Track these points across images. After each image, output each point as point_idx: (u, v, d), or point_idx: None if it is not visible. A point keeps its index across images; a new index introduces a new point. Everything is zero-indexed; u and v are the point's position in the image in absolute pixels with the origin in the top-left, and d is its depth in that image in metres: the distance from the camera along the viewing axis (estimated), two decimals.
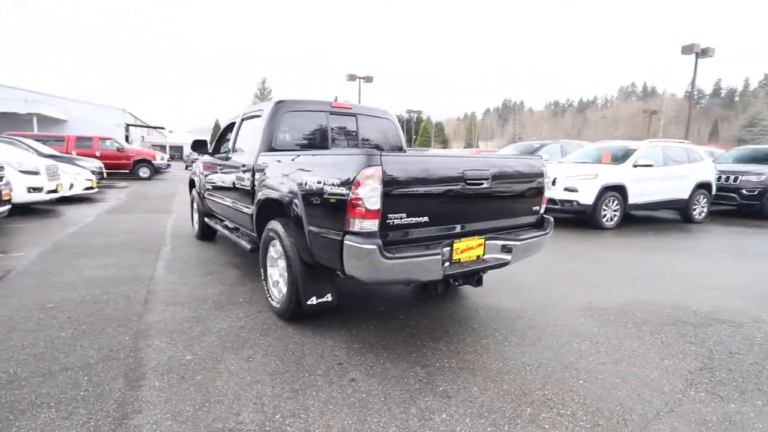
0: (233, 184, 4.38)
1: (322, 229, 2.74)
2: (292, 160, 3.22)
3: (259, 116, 4.12)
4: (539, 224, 3.43)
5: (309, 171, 2.89)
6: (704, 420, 2.26)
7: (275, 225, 3.28)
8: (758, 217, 9.82)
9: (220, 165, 4.91)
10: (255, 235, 4.01)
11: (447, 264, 2.74)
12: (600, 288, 4.44)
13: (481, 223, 3.04)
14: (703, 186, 9.21)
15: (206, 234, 6.10)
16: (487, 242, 3.04)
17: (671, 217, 9.96)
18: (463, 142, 74.54)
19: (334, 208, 2.62)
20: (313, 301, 3.02)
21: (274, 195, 3.33)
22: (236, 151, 4.61)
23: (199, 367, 2.63)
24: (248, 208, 4.01)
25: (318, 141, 4.14)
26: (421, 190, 2.64)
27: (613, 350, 3.03)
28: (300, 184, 2.92)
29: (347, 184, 2.49)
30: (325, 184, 2.67)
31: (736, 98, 78.51)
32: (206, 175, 5.51)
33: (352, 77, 25.01)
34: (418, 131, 62.82)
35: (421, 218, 2.65)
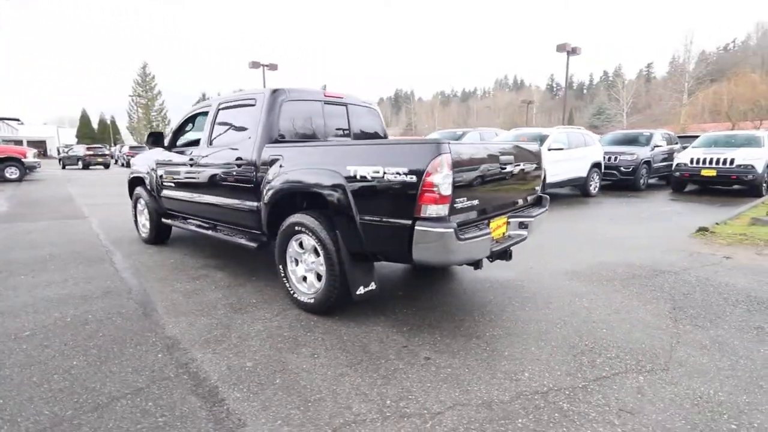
0: (221, 179, 4.03)
1: (380, 218, 2.75)
2: (328, 151, 3.13)
3: (252, 105, 3.85)
4: (538, 202, 3.83)
5: (360, 161, 2.85)
6: (702, 344, 2.84)
7: (304, 219, 3.16)
8: (632, 189, 11.87)
9: (190, 160, 4.45)
10: (258, 232, 3.79)
11: (492, 242, 2.96)
12: (561, 256, 5.08)
13: (504, 203, 3.31)
14: (596, 165, 10.86)
15: (160, 237, 5.47)
16: (509, 220, 3.33)
17: (571, 192, 11.53)
18: None
19: (398, 196, 2.65)
20: (361, 290, 3.01)
21: (300, 188, 3.20)
22: (214, 144, 4.23)
23: (269, 371, 2.49)
24: (249, 203, 3.76)
25: (316, 131, 4.01)
26: (474, 174, 2.81)
27: (608, 303, 3.57)
28: (348, 177, 2.87)
29: (417, 172, 2.55)
30: (386, 173, 2.68)
31: (585, 90, 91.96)
32: (166, 172, 4.94)
33: (255, 64, 23.64)
34: None
35: (474, 201, 2.82)
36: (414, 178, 2.56)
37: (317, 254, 3.20)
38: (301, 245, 3.33)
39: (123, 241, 5.75)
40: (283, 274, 3.45)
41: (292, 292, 3.39)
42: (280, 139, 3.68)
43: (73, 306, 3.47)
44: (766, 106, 31.85)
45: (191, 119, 4.92)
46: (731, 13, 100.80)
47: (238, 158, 3.81)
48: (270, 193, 3.44)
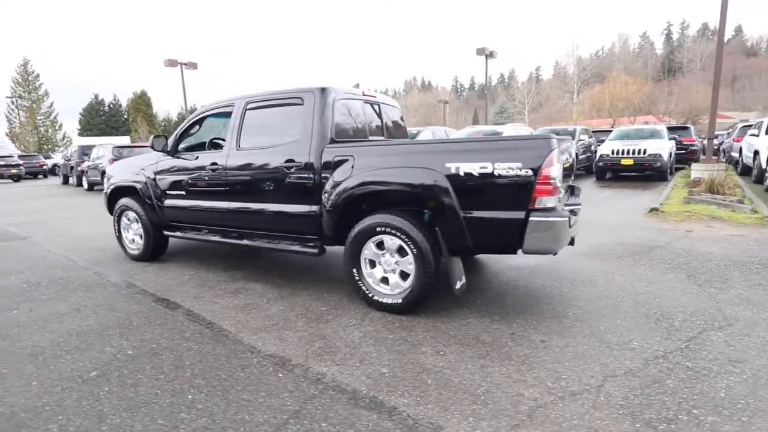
0: (263, 184, 3.74)
1: (489, 212, 2.82)
2: (417, 149, 3.11)
3: (298, 104, 3.64)
4: (572, 191, 4.18)
5: (461, 158, 2.87)
6: (736, 302, 3.35)
7: (390, 219, 3.11)
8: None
9: (213, 165, 4.05)
10: (314, 236, 3.62)
11: None
12: None
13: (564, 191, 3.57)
14: None
15: (156, 252, 4.88)
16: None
17: None
18: None
19: (510, 190, 2.75)
20: (458, 285, 3.05)
21: (384, 188, 3.13)
22: (243, 147, 3.91)
23: (411, 373, 2.44)
24: (302, 207, 3.56)
25: (361, 130, 3.92)
26: (562, 166, 3.00)
27: (637, 277, 4.02)
28: (450, 174, 2.88)
29: (533, 166, 2.67)
30: (496, 168, 2.76)
31: (485, 91, 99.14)
32: (173, 180, 4.42)
33: (172, 62, 21.59)
34: None
35: (563, 191, 3.02)
36: (530, 172, 2.68)
37: (401, 254, 3.17)
38: (379, 246, 3.26)
39: (104, 261, 5.01)
40: (357, 278, 3.34)
41: (370, 294, 3.30)
42: (335, 140, 3.54)
43: (119, 336, 3.00)
44: (637, 104, 37.32)
45: (199, 122, 4.47)
46: (600, 23, 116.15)
47: (289, 160, 3.58)
48: (339, 195, 3.30)
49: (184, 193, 4.36)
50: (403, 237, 3.08)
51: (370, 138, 4.04)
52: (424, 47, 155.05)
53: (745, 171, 12.48)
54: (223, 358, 2.67)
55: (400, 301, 3.18)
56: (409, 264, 3.13)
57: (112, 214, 5.21)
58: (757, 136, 11.32)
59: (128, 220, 4.97)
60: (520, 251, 2.91)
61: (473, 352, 2.66)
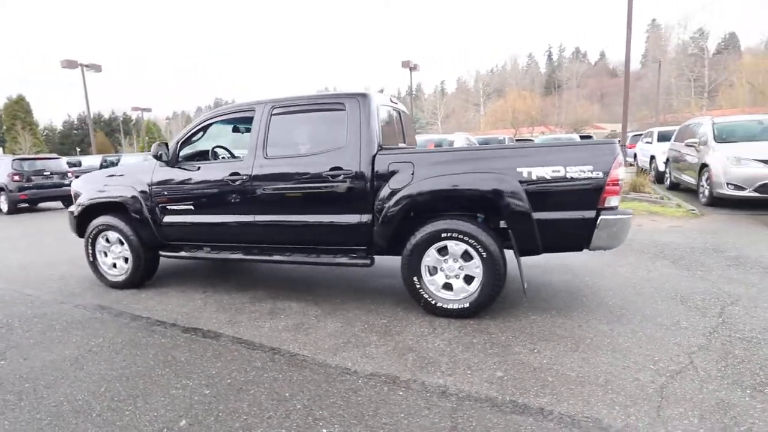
0: (303, 194, 3.48)
1: (562, 213, 2.97)
2: (486, 155, 3.14)
3: (338, 110, 3.47)
4: None
5: (533, 163, 2.98)
6: (722, 280, 3.92)
7: (457, 224, 3.12)
8: None
9: (233, 176, 3.65)
10: (361, 247, 3.47)
11: None
12: None
13: None
14: None
15: (146, 276, 4.25)
16: None
17: None
18: None
19: (582, 191, 2.92)
20: (525, 285, 3.15)
21: (451, 194, 3.12)
22: (271, 155, 3.61)
23: (527, 374, 2.47)
24: (351, 217, 3.40)
25: (396, 136, 3.86)
26: None
27: (635, 267, 4.49)
28: (522, 179, 2.97)
29: (604, 168, 2.87)
30: (568, 171, 2.91)
31: (412, 102, 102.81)
32: (176, 192, 3.90)
33: (71, 63, 18.69)
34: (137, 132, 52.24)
35: None
36: (600, 174, 2.88)
37: (466, 258, 3.19)
38: (440, 252, 3.23)
39: (75, 292, 4.22)
40: (418, 286, 3.27)
41: (433, 302, 3.25)
42: (382, 146, 3.44)
43: (177, 376, 2.57)
44: (534, 116, 41.64)
45: (204, 128, 4.00)
46: (494, 42, 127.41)
47: (335, 168, 3.39)
48: (399, 203, 3.21)
49: (192, 207, 3.87)
50: (472, 241, 3.10)
51: (399, 144, 3.99)
52: (334, 56, 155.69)
53: (640, 173, 14.61)
54: (324, 384, 2.43)
55: (467, 305, 3.19)
56: (476, 268, 3.16)
57: (82, 237, 4.42)
58: (651, 143, 13.36)
59: (107, 242, 4.26)
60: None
61: (563, 347, 2.77)
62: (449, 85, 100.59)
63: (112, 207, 4.23)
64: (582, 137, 17.01)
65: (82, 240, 4.36)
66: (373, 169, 3.33)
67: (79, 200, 4.32)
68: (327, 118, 3.55)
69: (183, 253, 4.01)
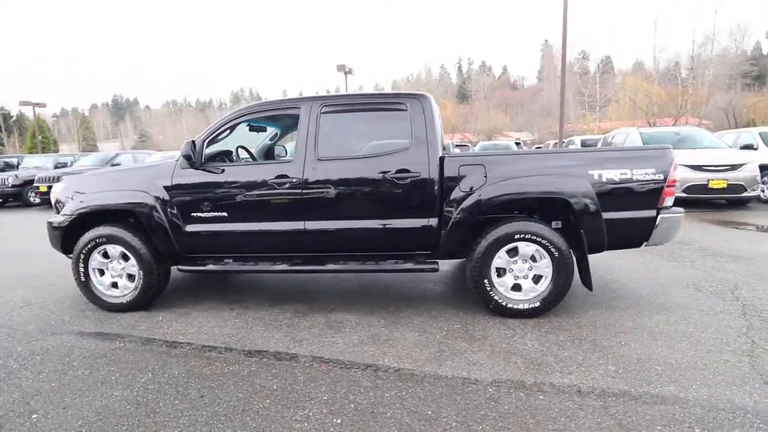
0: (367, 198, 3.26)
1: (628, 213, 3.16)
2: (559, 158, 3.21)
3: (399, 109, 3.31)
4: None
5: (603, 166, 3.12)
6: (710, 269, 4.50)
7: (530, 226, 3.16)
8: None
9: (279, 178, 3.29)
10: (426, 251, 3.37)
11: None
12: None
13: None
14: None
15: (155, 296, 3.64)
16: None
17: None
18: (78, 142, 58.03)
19: (645, 192, 3.13)
20: (591, 282, 3.29)
21: (526, 197, 3.16)
22: (323, 156, 3.33)
23: (639, 366, 2.57)
24: (416, 221, 3.28)
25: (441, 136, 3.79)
26: None
27: (634, 261, 4.91)
28: (594, 181, 3.10)
29: (664, 171, 3.11)
30: (634, 174, 3.10)
31: None
32: (210, 198, 3.40)
33: None
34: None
35: None
36: (661, 176, 3.13)
37: (534, 260, 3.24)
38: (510, 254, 3.25)
39: (65, 320, 3.46)
40: (489, 288, 3.25)
41: (504, 303, 3.25)
42: (443, 147, 3.37)
43: (285, 408, 2.23)
44: (455, 124, 44.00)
45: (232, 127, 3.54)
46: (409, 52, 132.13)
47: (402, 171, 3.22)
48: (472, 206, 3.17)
49: (225, 214, 3.40)
50: (545, 242, 3.16)
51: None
52: (254, 57, 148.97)
53: None
54: (458, 397, 2.29)
55: (538, 304, 3.24)
56: (546, 268, 3.23)
57: (67, 253, 3.65)
58: None
59: (105, 257, 3.56)
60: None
61: (642, 338, 2.94)
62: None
63: (113, 216, 3.56)
64: (517, 144, 18.37)
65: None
66: (441, 171, 3.24)
67: (67, 208, 3.56)
68: (386, 117, 3.38)
69: (210, 267, 3.51)
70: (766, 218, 7.58)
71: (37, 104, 25.43)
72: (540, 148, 23.14)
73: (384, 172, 3.25)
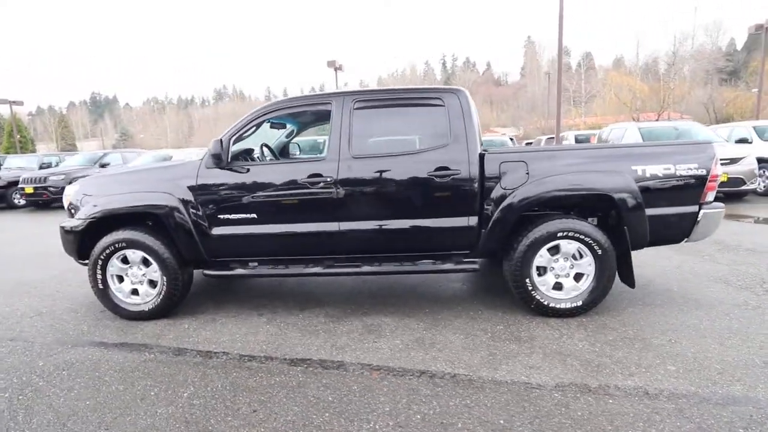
0: (405, 197, 3.13)
1: (671, 209, 3.10)
2: (600, 154, 3.12)
3: (436, 105, 3.19)
4: None
5: (645, 161, 3.05)
6: (731, 263, 4.52)
7: (574, 224, 3.08)
8: None
9: (313, 177, 3.14)
10: (465, 251, 3.27)
11: None
12: None
13: None
14: None
15: (178, 303, 3.45)
16: None
17: None
18: (56, 141, 56.01)
19: (687, 188, 3.08)
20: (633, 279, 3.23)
21: (570, 194, 3.07)
22: (361, 155, 3.19)
23: (697, 365, 2.52)
24: (456, 220, 3.17)
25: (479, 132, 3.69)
26: None
27: (655, 257, 4.88)
28: (637, 177, 3.03)
29: (706, 166, 3.06)
30: (677, 169, 3.05)
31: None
32: (239, 199, 3.22)
33: None
34: None
35: None
36: (704, 172, 3.08)
37: (576, 257, 3.17)
38: (551, 252, 3.17)
39: (90, 330, 3.25)
40: (531, 288, 3.16)
41: (546, 302, 3.17)
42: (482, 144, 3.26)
43: (368, 421, 2.10)
44: None
45: (259, 124, 3.37)
46: (395, 50, 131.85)
47: (441, 168, 3.11)
48: (515, 204, 3.07)
49: (255, 216, 3.23)
50: (588, 239, 3.09)
51: None
52: (236, 54, 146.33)
53: None
54: (525, 404, 2.19)
55: (580, 303, 3.17)
56: (588, 266, 3.16)
57: (83, 260, 3.43)
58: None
59: (124, 263, 3.36)
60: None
61: (691, 335, 2.89)
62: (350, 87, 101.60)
63: (131, 219, 3.36)
64: (510, 140, 18.38)
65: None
66: (482, 168, 3.14)
67: (83, 211, 3.34)
68: (421, 113, 3.26)
69: (239, 271, 3.33)
70: (762, 210, 7.73)
71: (14, 102, 24.38)
72: (530, 143, 23.25)
73: (423, 170, 3.13)
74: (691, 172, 3.10)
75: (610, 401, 2.19)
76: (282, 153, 4.45)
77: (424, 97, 3.26)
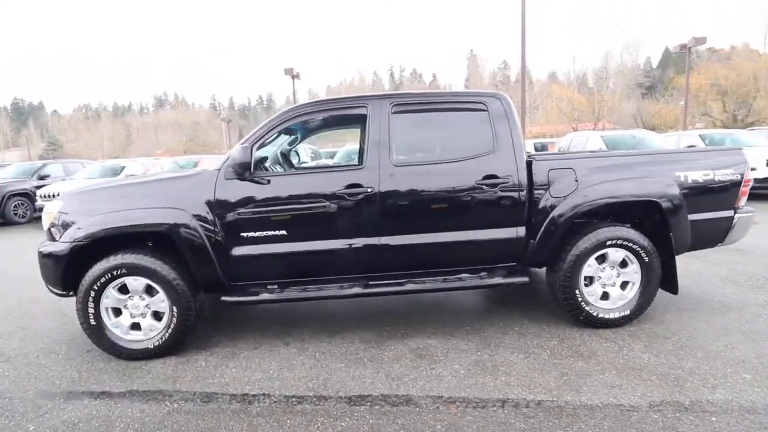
0: (453, 208, 2.87)
1: (710, 214, 3.09)
2: (644, 160, 3.05)
3: (479, 110, 2.98)
4: None
5: (686, 167, 3.01)
6: (750, 263, 4.71)
7: (621, 231, 2.99)
8: None
9: (352, 188, 2.79)
10: (511, 263, 3.07)
11: None
12: None
13: None
14: None
15: (184, 338, 2.93)
16: None
17: None
18: None
19: (724, 193, 3.09)
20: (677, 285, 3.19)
21: (619, 201, 2.97)
22: (403, 163, 2.90)
23: None
24: (503, 231, 2.97)
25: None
26: None
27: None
28: (680, 183, 2.99)
29: (741, 171, 3.09)
30: (716, 175, 3.04)
31: (248, 112, 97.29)
32: (264, 214, 2.81)
33: None
34: None
35: None
36: (739, 177, 3.11)
37: (623, 265, 3.08)
38: (598, 260, 3.05)
39: (82, 377, 2.64)
40: (580, 298, 3.02)
41: (595, 313, 3.04)
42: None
43: None
44: None
45: (282, 131, 2.97)
46: (341, 59, 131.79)
47: (489, 177, 2.88)
48: (565, 213, 2.92)
49: (285, 232, 2.82)
50: (636, 247, 3.00)
51: None
52: (175, 60, 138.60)
53: None
54: (630, 429, 2.00)
55: (628, 312, 3.07)
56: (635, 273, 3.07)
57: (67, 291, 2.83)
58: None
59: (122, 293, 2.80)
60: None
61: (742, 339, 2.87)
62: (301, 97, 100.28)
63: (133, 239, 2.82)
64: None
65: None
66: (530, 175, 2.96)
67: (70, 233, 2.73)
68: (465, 118, 3.03)
69: (265, 296, 2.88)
70: None
71: None
72: None
73: (470, 179, 2.89)
74: (728, 178, 3.12)
75: (714, 419, 2.06)
76: (285, 161, 4.03)
77: (465, 101, 3.04)
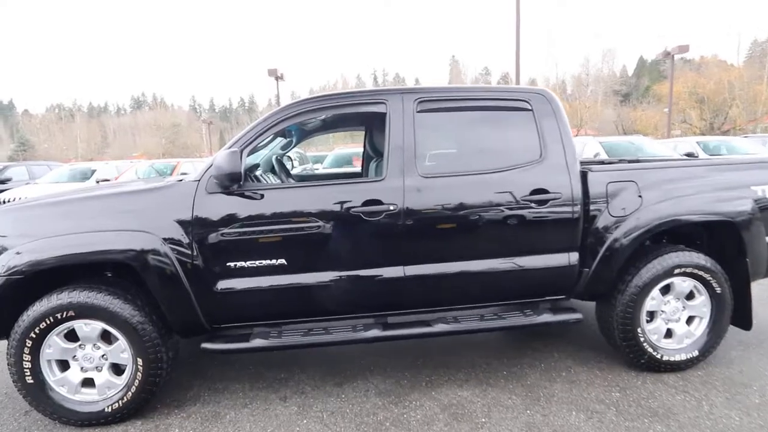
0: (495, 230, 2.31)
1: None
2: (714, 171, 2.53)
3: (522, 109, 2.43)
4: None
5: (764, 179, 2.53)
6: None
7: (690, 257, 2.47)
8: None
9: (369, 205, 2.19)
10: (561, 296, 2.52)
11: None
12: None
13: None
14: None
15: (153, 393, 2.27)
16: None
17: None
18: None
19: None
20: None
21: (690, 220, 2.47)
22: (432, 174, 2.32)
23: None
24: (553, 258, 2.41)
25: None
26: None
27: None
28: (757, 198, 2.49)
29: None
30: None
31: (229, 114, 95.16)
32: (258, 237, 2.17)
33: None
34: None
35: None
36: None
37: (689, 298, 2.57)
38: (662, 292, 2.53)
39: None
40: (642, 339, 2.48)
41: (659, 355, 2.51)
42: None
43: None
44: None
45: (277, 133, 2.34)
46: (323, 62, 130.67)
47: (538, 191, 2.33)
48: (629, 235, 2.39)
49: (284, 261, 2.20)
50: (707, 276, 2.49)
51: None
52: (157, 60, 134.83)
53: None
54: None
55: (696, 353, 2.56)
56: (703, 307, 2.56)
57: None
58: None
59: (70, 341, 2.12)
60: None
61: None
62: (285, 99, 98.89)
63: (84, 271, 2.15)
64: None
65: None
66: (585, 190, 2.42)
67: (2, 261, 2.05)
68: (504, 119, 2.47)
69: (258, 342, 2.24)
70: None
71: None
72: None
73: (515, 194, 2.33)
74: None
75: None
76: (279, 168, 3.40)
77: (505, 98, 2.47)
